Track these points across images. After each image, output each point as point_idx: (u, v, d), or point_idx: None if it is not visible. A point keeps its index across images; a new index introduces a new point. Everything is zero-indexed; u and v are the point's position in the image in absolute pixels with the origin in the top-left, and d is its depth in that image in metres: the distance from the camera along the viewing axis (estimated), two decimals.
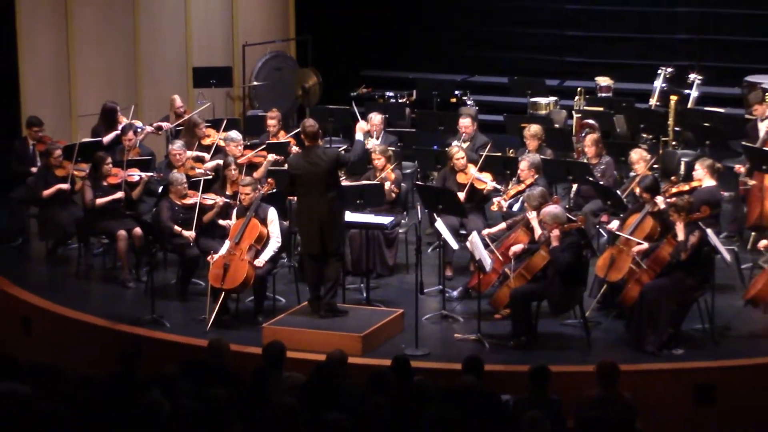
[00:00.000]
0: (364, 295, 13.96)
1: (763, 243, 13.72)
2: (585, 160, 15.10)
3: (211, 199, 14.14)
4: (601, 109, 17.13)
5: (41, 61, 17.52)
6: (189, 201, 14.09)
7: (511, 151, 15.61)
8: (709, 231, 12.81)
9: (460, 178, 14.79)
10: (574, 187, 15.21)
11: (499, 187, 14.68)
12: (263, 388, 10.02)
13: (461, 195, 14.48)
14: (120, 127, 16.06)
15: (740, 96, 18.04)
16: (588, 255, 13.35)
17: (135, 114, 16.70)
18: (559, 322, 13.24)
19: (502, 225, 13.87)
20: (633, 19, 20.72)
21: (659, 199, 13.37)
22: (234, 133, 15.66)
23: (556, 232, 12.78)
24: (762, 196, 14.86)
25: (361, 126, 13.82)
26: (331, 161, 12.95)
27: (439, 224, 13.56)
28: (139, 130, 16.09)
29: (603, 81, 18.15)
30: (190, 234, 13.92)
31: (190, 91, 18.95)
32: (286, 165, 13.77)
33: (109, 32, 18.36)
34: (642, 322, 12.65)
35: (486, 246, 13.22)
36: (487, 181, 14.75)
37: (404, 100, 18.70)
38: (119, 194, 14.59)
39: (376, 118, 16.33)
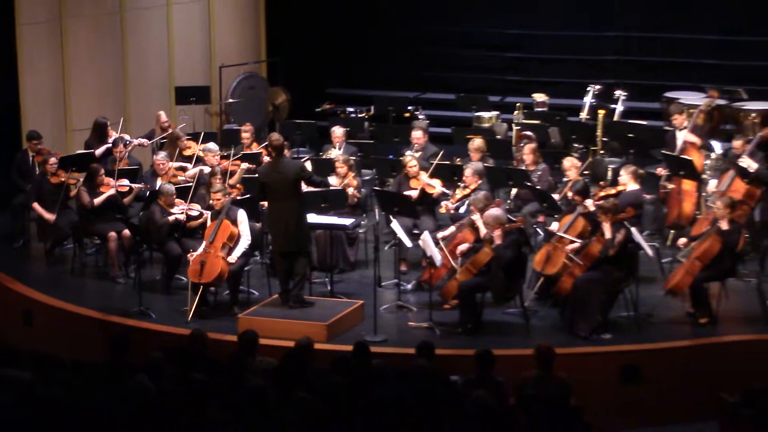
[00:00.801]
0: (329, 288, 13.94)
1: (681, 240, 13.78)
2: (523, 167, 15.12)
3: (197, 210, 14.13)
4: (537, 122, 17.14)
5: (39, 81, 17.43)
6: (175, 210, 14.07)
7: (458, 159, 15.61)
8: (633, 229, 12.85)
9: (413, 183, 14.80)
10: (514, 191, 15.25)
11: (447, 191, 14.67)
12: (239, 371, 10.00)
13: (414, 193, 14.50)
14: (111, 140, 16.03)
15: (659, 110, 18.09)
16: (527, 251, 13.37)
17: (123, 128, 16.65)
18: (501, 311, 13.26)
19: (452, 229, 13.85)
20: (566, 42, 20.74)
21: (589, 202, 13.41)
22: (212, 145, 15.67)
23: (498, 232, 12.80)
24: (679, 199, 14.92)
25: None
26: (296, 172, 13.04)
27: (395, 225, 13.56)
28: (127, 142, 16.06)
29: (539, 97, 18.17)
30: (180, 216, 13.98)
31: (173, 107, 18.89)
32: (257, 174, 13.80)
33: (100, 55, 18.28)
34: (574, 310, 12.69)
35: (436, 244, 13.22)
36: (436, 186, 14.76)
37: (363, 114, 18.67)
38: (112, 191, 14.58)
39: (338, 131, 16.33)
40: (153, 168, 15.35)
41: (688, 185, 14.87)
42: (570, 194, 13.83)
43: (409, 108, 18.89)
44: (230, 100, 20.06)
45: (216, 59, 20.19)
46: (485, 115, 18.07)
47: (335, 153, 15.80)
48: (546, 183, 14.82)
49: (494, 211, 13.03)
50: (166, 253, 14.10)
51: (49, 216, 14.84)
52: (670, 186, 15.05)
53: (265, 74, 21.05)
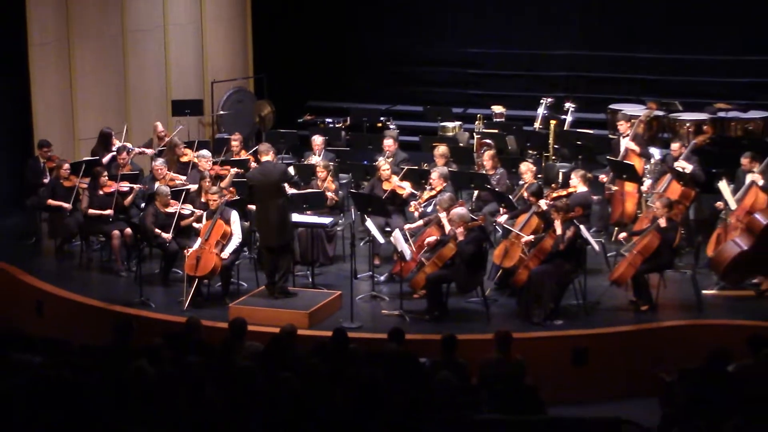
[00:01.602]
0: (310, 280, 13.91)
1: (622, 235, 13.81)
2: (484, 172, 15.12)
3: (188, 209, 14.11)
4: (496, 131, 17.14)
5: (49, 94, 17.36)
6: (170, 210, 14.05)
7: (425, 164, 15.59)
8: (581, 227, 12.87)
9: (385, 186, 14.79)
10: (476, 193, 15.26)
11: (416, 192, 14.67)
12: (230, 355, 9.98)
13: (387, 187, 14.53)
14: (115, 148, 16.02)
15: (604, 120, 18.12)
16: (487, 246, 13.37)
17: (126, 137, 16.63)
18: (464, 299, 13.26)
19: (420, 222, 13.88)
20: (521, 60, 20.76)
21: (542, 202, 13.43)
22: (205, 152, 15.69)
23: (461, 229, 12.81)
24: (622, 199, 14.97)
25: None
26: (280, 174, 13.03)
27: (369, 223, 13.54)
28: (129, 150, 16.05)
29: (497, 109, 18.18)
30: (167, 236, 13.86)
31: (170, 118, 18.81)
32: (246, 178, 13.80)
33: (104, 72, 18.21)
34: (529, 299, 12.71)
35: (406, 240, 13.21)
36: (406, 188, 14.75)
37: (340, 125, 18.64)
38: (108, 212, 14.49)
39: (318, 139, 16.31)
40: (152, 173, 15.33)
41: (630, 187, 14.91)
42: (525, 195, 13.87)
43: (381, 119, 18.88)
44: (221, 112, 20.01)
45: (208, 75, 20.14)
46: (449, 125, 18.07)
47: (315, 159, 15.78)
48: (504, 185, 14.83)
49: (458, 211, 13.03)
50: (163, 249, 14.06)
51: (67, 205, 14.83)
52: (614, 188, 15.08)
53: (252, 89, 21.00)
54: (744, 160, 14.08)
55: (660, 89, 19.07)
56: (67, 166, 15.10)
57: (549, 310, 12.67)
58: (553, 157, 16.73)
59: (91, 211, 14.54)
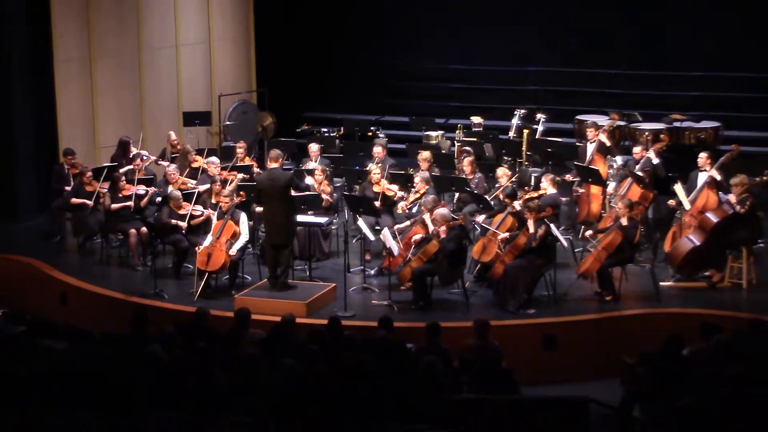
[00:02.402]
0: (308, 273, 13.89)
1: (588, 233, 13.81)
2: (464, 176, 15.10)
3: (199, 210, 14.09)
4: (475, 139, 17.13)
5: (73, 107, 17.33)
6: (182, 211, 14.03)
7: (410, 169, 15.58)
8: (552, 225, 12.88)
9: (375, 188, 14.78)
10: (456, 195, 15.24)
11: (403, 194, 14.67)
12: (235, 341, 9.96)
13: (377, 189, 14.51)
14: (131, 156, 16.00)
15: (572, 130, 18.12)
16: (467, 243, 13.36)
17: (142, 145, 16.60)
18: (446, 291, 13.25)
19: (407, 222, 13.86)
20: (497, 76, 20.76)
21: (516, 203, 13.42)
22: (213, 158, 15.63)
23: (443, 228, 12.80)
24: (588, 201, 14.95)
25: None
26: (286, 180, 13.01)
27: (361, 222, 13.54)
28: (144, 157, 16.06)
29: (476, 119, 18.16)
30: (183, 224, 13.88)
31: (181, 128, 18.78)
32: (256, 181, 13.79)
33: (122, 86, 18.19)
34: (505, 290, 12.70)
35: (394, 237, 13.20)
36: (394, 191, 14.75)
37: (335, 134, 18.61)
38: (129, 203, 14.56)
39: (314, 147, 16.29)
40: (165, 177, 15.31)
41: (595, 190, 14.90)
42: (501, 197, 13.87)
43: (372, 128, 18.85)
44: (227, 123, 19.97)
45: (215, 90, 20.12)
46: (432, 134, 18.04)
47: (312, 165, 15.77)
48: (482, 188, 14.82)
49: (441, 211, 13.03)
50: (176, 246, 14.04)
51: (89, 201, 14.84)
52: (581, 190, 15.08)
53: (255, 101, 20.97)
54: (702, 155, 14.09)
55: (621, 102, 19.09)
56: (89, 173, 15.12)
57: (522, 300, 12.67)
58: (526, 163, 16.73)
59: (114, 206, 14.56)
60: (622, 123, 17.24)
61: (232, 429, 7.86)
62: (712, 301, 12.89)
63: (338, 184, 16.19)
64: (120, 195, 14.68)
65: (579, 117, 18.00)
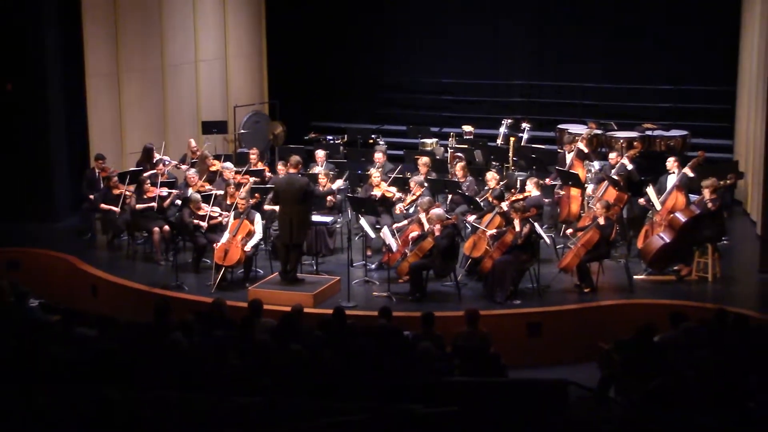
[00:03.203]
0: (314, 268, 13.90)
1: (569, 231, 13.81)
2: (456, 179, 15.11)
3: (217, 211, 14.10)
4: (466, 146, 17.13)
5: (102, 117, 17.32)
6: (201, 213, 14.04)
7: (408, 173, 15.58)
8: (536, 224, 12.88)
9: (376, 191, 14.78)
10: (449, 196, 15.24)
11: (401, 196, 14.66)
12: (249, 329, 9.95)
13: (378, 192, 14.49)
14: (155, 161, 16.02)
15: (554, 138, 18.13)
16: (459, 240, 13.37)
17: (165, 151, 16.61)
18: (440, 284, 13.25)
19: (404, 222, 13.85)
20: (486, 88, 20.74)
21: (504, 204, 13.42)
22: (228, 164, 15.69)
23: (438, 226, 12.80)
24: (569, 202, 14.96)
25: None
26: (302, 186, 13.01)
27: (363, 222, 13.55)
28: (167, 162, 16.06)
29: (467, 128, 18.15)
30: (204, 224, 13.93)
31: (200, 136, 18.78)
32: (273, 184, 13.83)
33: (147, 98, 18.17)
34: (494, 283, 12.71)
35: (393, 235, 13.20)
36: (393, 193, 14.74)
37: (339, 141, 18.61)
38: (153, 204, 14.59)
39: (320, 153, 16.28)
40: (186, 180, 15.30)
41: (575, 192, 14.91)
42: (490, 199, 13.86)
43: (373, 136, 18.84)
44: (242, 131, 19.96)
45: (231, 101, 20.12)
46: (428, 141, 18.04)
47: (318, 169, 15.75)
48: (472, 191, 14.82)
49: (435, 211, 13.03)
50: (195, 243, 14.04)
51: (116, 208, 14.86)
52: (562, 192, 15.08)
53: (267, 112, 20.97)
54: (670, 159, 14.16)
55: (599, 112, 19.08)
56: (116, 178, 15.15)
57: (509, 292, 12.67)
58: (513, 168, 16.72)
59: (138, 206, 14.59)
60: (599, 131, 17.25)
61: (246, 408, 7.85)
62: (681, 292, 12.89)
63: (342, 187, 16.19)
64: (144, 196, 14.71)
65: (560, 126, 18.01)
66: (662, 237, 13.26)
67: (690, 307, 12.01)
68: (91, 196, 15.41)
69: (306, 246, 14.04)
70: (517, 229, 12.74)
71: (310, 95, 21.27)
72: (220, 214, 14.04)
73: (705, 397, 8.25)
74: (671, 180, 13.91)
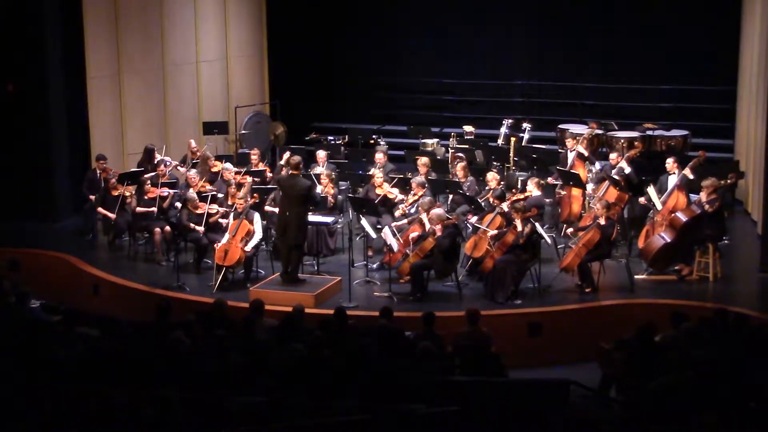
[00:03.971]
0: (316, 268, 13.89)
1: (570, 231, 13.81)
2: (457, 180, 15.11)
3: (215, 208, 14.12)
4: (467, 146, 17.14)
5: (104, 118, 17.33)
6: (199, 211, 14.05)
7: (408, 174, 15.59)
8: (537, 224, 12.89)
9: (378, 191, 14.78)
10: (450, 197, 15.25)
11: (402, 197, 14.67)
12: (250, 329, 9.97)
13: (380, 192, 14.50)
14: (156, 162, 16.04)
15: (555, 138, 18.13)
16: (460, 240, 13.37)
17: (165, 151, 16.62)
18: (441, 284, 13.24)
19: (404, 221, 13.86)
20: (486, 89, 20.75)
21: (505, 204, 13.43)
22: (228, 164, 15.73)
23: (439, 226, 12.81)
24: (570, 202, 14.96)
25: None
26: (304, 189, 13.00)
27: (364, 222, 13.56)
28: (168, 163, 16.07)
29: (468, 128, 18.17)
30: (200, 229, 13.89)
31: (201, 137, 18.79)
32: (277, 180, 13.86)
33: (148, 98, 18.18)
34: (494, 283, 12.71)
35: (394, 235, 13.20)
36: (395, 193, 14.75)
37: (340, 141, 18.61)
38: (153, 209, 14.59)
39: (321, 153, 16.29)
40: (186, 181, 15.32)
41: (576, 192, 14.90)
42: (491, 199, 13.87)
43: (373, 136, 18.85)
44: (243, 132, 19.97)
45: (232, 102, 20.12)
46: (428, 141, 18.05)
47: (319, 170, 15.76)
48: (473, 191, 14.83)
49: (436, 211, 13.03)
50: (196, 243, 14.05)
51: (111, 215, 14.85)
52: (563, 192, 15.09)
53: (268, 112, 20.98)
54: (669, 160, 14.15)
55: (599, 112, 19.11)
56: (114, 180, 15.14)
57: (510, 292, 12.67)
58: (513, 168, 16.73)
59: (138, 209, 14.59)
60: (600, 131, 17.25)
61: (247, 407, 7.87)
62: (682, 292, 12.89)
63: (343, 187, 16.20)
64: (146, 197, 14.74)
65: (561, 126, 18.01)
66: (663, 236, 13.26)
67: (691, 306, 12.02)
68: (92, 197, 15.44)
69: (307, 246, 14.05)
70: (518, 229, 12.75)
71: (311, 96, 21.28)
72: (218, 212, 14.04)
73: (706, 397, 8.26)
74: (672, 180, 13.92)
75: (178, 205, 14.61)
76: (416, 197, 14.22)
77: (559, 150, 16.63)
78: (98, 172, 15.74)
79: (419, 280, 12.88)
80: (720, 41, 18.64)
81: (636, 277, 13.23)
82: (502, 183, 14.88)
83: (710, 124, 18.74)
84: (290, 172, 13.32)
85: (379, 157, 16.00)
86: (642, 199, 14.01)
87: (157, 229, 14.42)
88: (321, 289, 12.89)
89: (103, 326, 9.95)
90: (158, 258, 14.50)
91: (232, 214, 13.75)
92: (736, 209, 16.44)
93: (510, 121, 18.02)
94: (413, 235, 13.20)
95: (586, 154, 15.39)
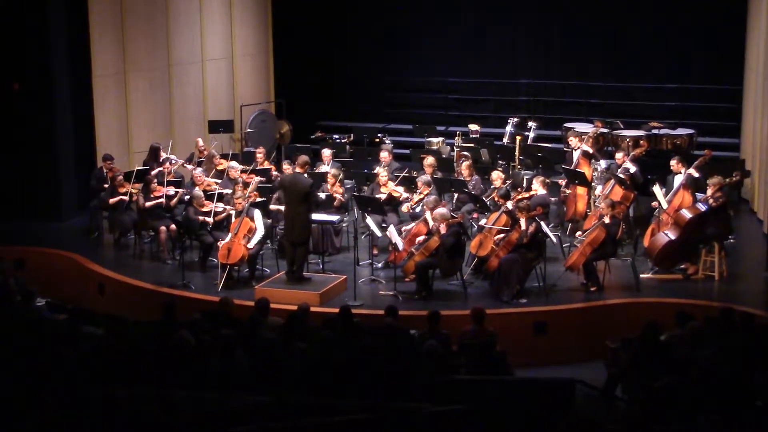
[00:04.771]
0: (321, 266, 13.87)
1: (578, 233, 13.79)
2: (462, 178, 15.10)
3: (221, 207, 14.13)
4: (472, 145, 17.13)
5: (109, 116, 17.36)
6: (205, 209, 14.06)
7: (414, 172, 15.58)
8: (542, 223, 12.87)
9: (383, 190, 14.77)
10: (455, 195, 15.23)
11: (408, 195, 14.66)
12: (255, 328, 9.97)
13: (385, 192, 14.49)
14: (162, 160, 16.04)
15: (560, 136, 18.11)
16: (465, 239, 13.36)
17: (171, 150, 16.64)
18: (446, 282, 13.23)
19: (412, 225, 13.84)
20: (492, 87, 20.73)
21: (510, 203, 13.41)
22: (234, 163, 15.71)
23: (444, 225, 12.79)
24: (575, 200, 14.94)
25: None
26: (305, 188, 13.01)
27: (369, 220, 13.52)
28: (173, 161, 16.08)
29: (473, 127, 18.16)
30: (210, 220, 13.92)
31: (207, 135, 18.79)
32: (280, 180, 13.85)
33: (153, 97, 18.21)
34: (500, 281, 12.69)
35: (399, 234, 13.19)
36: (400, 192, 14.74)
37: (345, 140, 18.61)
38: (161, 200, 14.59)
39: (327, 152, 16.28)
40: (192, 179, 15.33)
41: (581, 190, 14.89)
42: (496, 197, 13.85)
43: (379, 135, 18.84)
44: (248, 130, 19.99)
45: (238, 100, 20.14)
46: (434, 140, 18.05)
47: (325, 168, 15.76)
48: (478, 190, 14.81)
49: (441, 210, 13.02)
50: (201, 242, 14.05)
51: (125, 197, 14.90)
52: (568, 191, 15.07)
53: (273, 111, 20.99)
54: (673, 161, 14.13)
55: (605, 111, 19.10)
56: (121, 177, 15.17)
57: (515, 290, 12.66)
58: (519, 166, 16.72)
59: (147, 204, 14.59)
60: (605, 130, 17.23)
61: (253, 406, 7.86)
62: (687, 291, 12.87)
63: (348, 186, 16.19)
64: (151, 195, 14.72)
65: (566, 125, 17.99)
66: (668, 235, 13.24)
67: (696, 305, 11.99)
68: (106, 186, 15.43)
69: (312, 245, 14.05)
70: (523, 227, 12.73)
71: (316, 94, 21.30)
72: (224, 209, 14.05)
73: (712, 396, 8.24)
74: (678, 179, 13.90)
75: (187, 197, 14.61)
76: (422, 196, 14.21)
77: (565, 149, 16.61)
78: (104, 171, 15.76)
79: (424, 278, 12.87)
80: (726, 40, 18.62)
81: (641, 276, 13.21)
82: (507, 182, 14.86)
83: (716, 123, 18.72)
84: (296, 170, 13.35)
85: (385, 155, 15.99)
86: (654, 203, 13.96)
87: (163, 228, 14.43)
88: (326, 287, 12.88)
89: (109, 325, 9.95)
90: (163, 256, 14.51)
91: (233, 213, 13.75)
92: (741, 208, 16.42)
93: (515, 119, 18.01)
94: (418, 233, 13.18)
95: (591, 151, 15.37)
